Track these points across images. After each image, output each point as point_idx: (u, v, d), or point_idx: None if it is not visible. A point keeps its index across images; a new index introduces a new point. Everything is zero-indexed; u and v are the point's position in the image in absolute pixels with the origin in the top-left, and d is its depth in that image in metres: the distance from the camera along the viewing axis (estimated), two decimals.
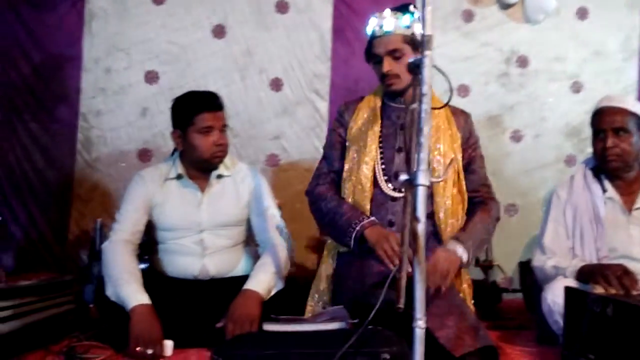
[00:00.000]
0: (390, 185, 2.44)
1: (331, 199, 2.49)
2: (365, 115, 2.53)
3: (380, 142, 2.49)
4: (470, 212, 2.48)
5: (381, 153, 2.48)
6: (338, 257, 2.53)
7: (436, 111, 2.39)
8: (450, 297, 2.23)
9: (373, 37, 2.41)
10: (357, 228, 2.35)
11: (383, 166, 2.46)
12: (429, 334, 1.89)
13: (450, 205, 2.44)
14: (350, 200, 2.48)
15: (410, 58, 2.32)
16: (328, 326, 2.14)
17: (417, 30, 2.37)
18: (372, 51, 2.43)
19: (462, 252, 2.30)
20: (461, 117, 2.55)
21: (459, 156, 2.48)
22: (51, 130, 3.51)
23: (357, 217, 2.38)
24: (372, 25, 2.41)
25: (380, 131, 2.50)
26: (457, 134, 2.50)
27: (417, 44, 2.38)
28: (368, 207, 2.44)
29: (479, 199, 2.53)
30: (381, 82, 2.46)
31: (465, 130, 2.53)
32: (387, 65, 2.38)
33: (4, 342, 2.10)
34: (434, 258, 2.22)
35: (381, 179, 2.45)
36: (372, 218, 2.38)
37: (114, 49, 3.53)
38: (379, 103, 2.55)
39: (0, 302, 2.14)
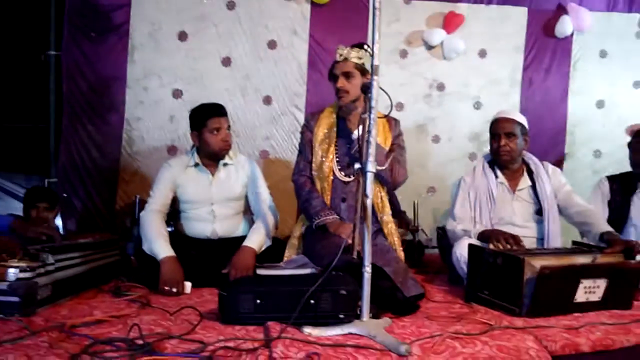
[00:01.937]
0: (343, 173, 2.44)
1: (308, 192, 2.45)
2: (325, 123, 2.50)
3: (335, 142, 2.47)
4: None
5: (336, 150, 2.46)
6: (307, 226, 2.51)
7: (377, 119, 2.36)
8: (390, 252, 2.24)
9: (335, 62, 2.40)
10: (320, 219, 2.36)
11: (337, 159, 2.45)
12: (378, 272, 1.90)
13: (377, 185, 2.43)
14: (318, 185, 2.46)
15: (358, 81, 2.35)
16: (303, 271, 2.13)
17: (366, 61, 2.36)
18: (332, 71, 2.41)
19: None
20: (392, 122, 2.51)
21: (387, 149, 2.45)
22: (103, 131, 3.40)
23: (323, 212, 2.37)
24: (336, 54, 2.40)
25: (337, 134, 2.48)
26: (389, 134, 2.47)
27: (364, 71, 2.37)
28: (329, 190, 2.43)
29: None
30: (336, 95, 2.42)
31: (395, 130, 2.50)
32: (341, 82, 2.37)
33: (71, 282, 2.06)
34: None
35: (336, 169, 2.45)
36: (333, 216, 2.37)
37: (149, 73, 3.43)
38: (334, 114, 2.52)
39: (70, 253, 2.09)
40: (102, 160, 3.41)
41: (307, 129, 2.55)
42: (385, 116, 2.12)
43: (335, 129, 2.48)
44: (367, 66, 2.36)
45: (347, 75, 2.36)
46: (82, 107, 3.37)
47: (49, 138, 3.44)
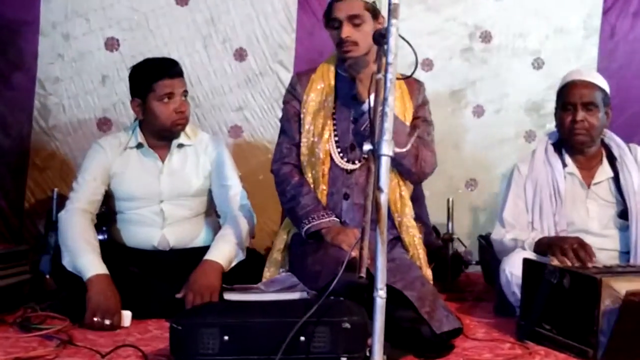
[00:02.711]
0: (344, 158, 2.43)
1: (295, 185, 2.45)
2: (318, 87, 2.48)
3: (333, 114, 2.46)
4: None
5: (334, 125, 2.45)
6: (295, 234, 2.51)
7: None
8: (413, 270, 2.24)
9: (334, 0, 2.34)
10: (312, 223, 2.35)
11: (336, 138, 2.44)
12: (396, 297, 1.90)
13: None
14: (309, 175, 2.46)
15: (370, 27, 2.33)
16: (290, 295, 2.14)
17: (377, 0, 2.34)
18: (332, 15, 2.34)
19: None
20: (414, 85, 2.51)
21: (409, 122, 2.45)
22: (6, 96, 3.39)
23: (316, 212, 2.37)
24: None
25: (334, 103, 2.46)
26: (410, 103, 2.47)
27: (377, 14, 2.34)
28: (325, 182, 2.43)
29: None
30: (337, 48, 2.39)
31: (417, 98, 2.50)
32: (347, 30, 2.31)
33: None
34: None
35: (335, 152, 2.44)
36: (330, 218, 2.37)
37: (72, 14, 3.42)
38: (332, 74, 2.49)
39: None
40: (5, 138, 3.41)
41: (293, 97, 2.53)
42: (407, 77, 2.12)
43: (333, 95, 2.47)
44: (380, 6, 2.33)
45: (355, 20, 2.32)
46: None
47: None
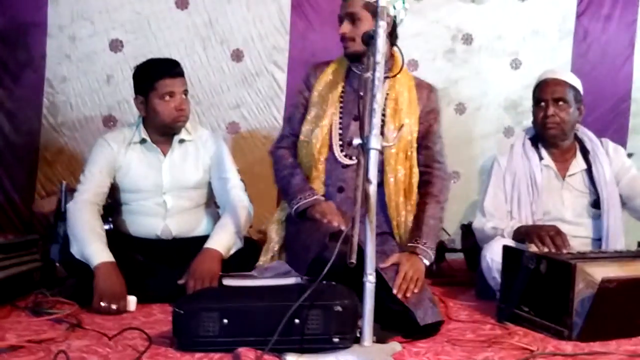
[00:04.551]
0: (343, 152, 2.38)
1: (288, 166, 2.43)
2: (329, 79, 2.43)
3: (340, 107, 2.41)
4: (421, 202, 2.36)
5: (340, 119, 2.40)
6: (290, 218, 2.48)
7: (401, 81, 2.35)
8: None
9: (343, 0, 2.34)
10: (300, 203, 2.32)
11: (340, 131, 2.39)
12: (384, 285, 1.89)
13: (402, 178, 2.35)
14: (303, 162, 2.43)
15: (369, 26, 2.29)
16: (284, 281, 2.14)
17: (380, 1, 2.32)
18: (338, 13, 2.35)
19: (426, 260, 2.21)
20: (424, 90, 2.44)
21: (415, 128, 2.38)
22: (16, 95, 3.35)
23: (302, 192, 2.34)
24: None
25: (342, 97, 2.42)
26: (416, 106, 2.40)
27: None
28: (322, 170, 2.38)
29: (427, 177, 2.40)
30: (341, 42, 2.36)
31: (425, 103, 2.43)
32: (344, 27, 2.31)
33: None
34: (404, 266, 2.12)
35: (336, 144, 2.37)
36: (315, 197, 2.33)
37: (78, 17, 3.38)
38: (344, 68, 2.44)
39: None
40: (16, 134, 3.37)
41: (306, 88, 2.48)
42: (394, 76, 2.09)
43: (341, 90, 2.42)
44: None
45: (353, 18, 2.30)
46: None
47: None
